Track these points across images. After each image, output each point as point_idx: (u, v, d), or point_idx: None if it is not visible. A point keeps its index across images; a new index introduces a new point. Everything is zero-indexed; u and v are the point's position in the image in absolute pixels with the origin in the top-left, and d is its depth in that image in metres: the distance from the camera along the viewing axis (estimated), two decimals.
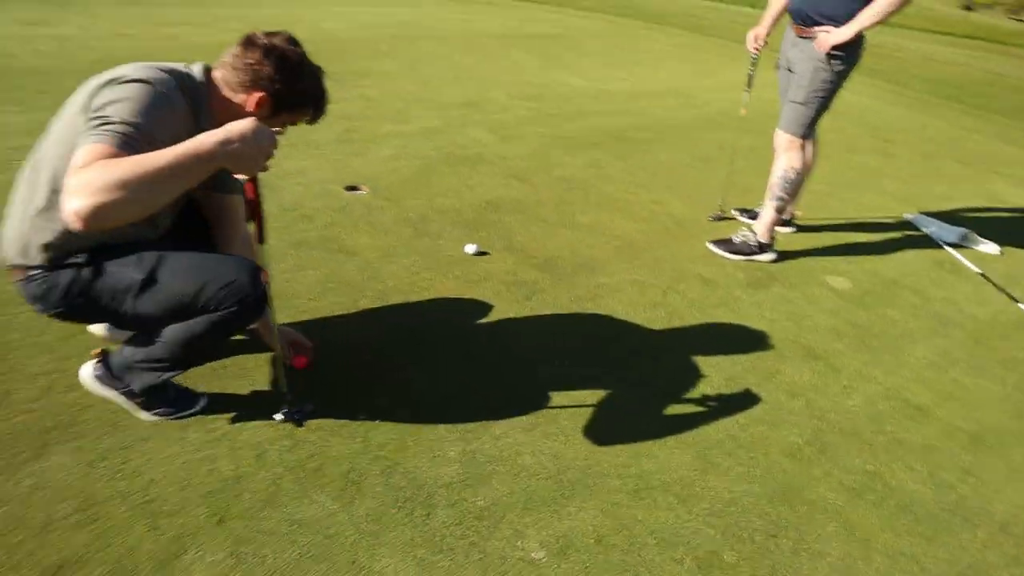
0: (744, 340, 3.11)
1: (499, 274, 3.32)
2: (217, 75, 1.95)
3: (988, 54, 23.41)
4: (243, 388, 2.35)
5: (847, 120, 7.54)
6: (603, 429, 2.42)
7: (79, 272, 1.85)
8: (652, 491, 2.20)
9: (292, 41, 2.01)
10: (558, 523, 2.04)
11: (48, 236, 1.81)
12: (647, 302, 3.27)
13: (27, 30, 6.74)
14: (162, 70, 1.82)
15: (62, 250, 1.83)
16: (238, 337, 2.54)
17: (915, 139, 7.37)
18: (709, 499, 2.21)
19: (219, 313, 1.90)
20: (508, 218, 3.93)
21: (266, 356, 2.51)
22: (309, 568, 1.80)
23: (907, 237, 4.60)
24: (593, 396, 2.57)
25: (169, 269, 1.88)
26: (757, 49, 3.91)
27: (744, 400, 2.70)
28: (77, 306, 1.89)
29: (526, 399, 2.50)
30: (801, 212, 4.48)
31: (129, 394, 2.10)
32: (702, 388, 2.73)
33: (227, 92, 1.95)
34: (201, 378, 2.34)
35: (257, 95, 1.94)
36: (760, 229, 3.84)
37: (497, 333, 2.88)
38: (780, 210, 3.79)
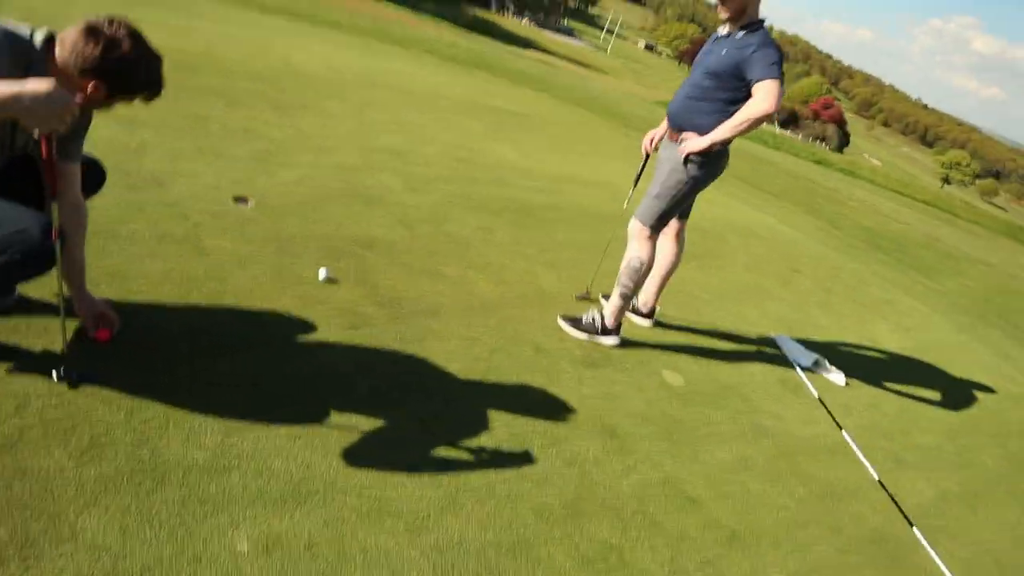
0: (547, 406, 3.27)
1: (338, 302, 3.47)
2: (58, 53, 2.12)
3: (936, 221, 24.65)
4: (34, 344, 2.45)
5: (762, 242, 7.93)
6: (364, 453, 2.54)
7: None
8: (384, 516, 2.32)
9: (133, 34, 2.18)
10: (276, 524, 2.14)
11: None
12: (470, 355, 3.43)
13: None
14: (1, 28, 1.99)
15: None
16: (48, 299, 2.65)
17: (822, 274, 7.76)
18: (437, 535, 2.33)
19: (4, 256, 2.03)
20: (374, 257, 4.10)
21: (66, 320, 2.61)
22: (13, 513, 1.88)
23: (763, 352, 4.85)
24: (370, 422, 2.70)
25: None
26: (648, 151, 4.22)
27: (518, 457, 2.84)
28: None
29: (304, 412, 2.62)
30: (660, 307, 4.72)
31: None
32: (482, 438, 2.87)
33: (65, 70, 2.11)
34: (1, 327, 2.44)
35: (93, 82, 2.11)
36: (606, 313, 4.06)
37: (305, 349, 3.02)
38: (625, 297, 4.02)
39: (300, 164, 5.21)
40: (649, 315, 4.61)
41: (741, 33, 3.62)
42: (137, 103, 2.30)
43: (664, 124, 4.14)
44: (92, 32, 2.11)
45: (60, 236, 2.16)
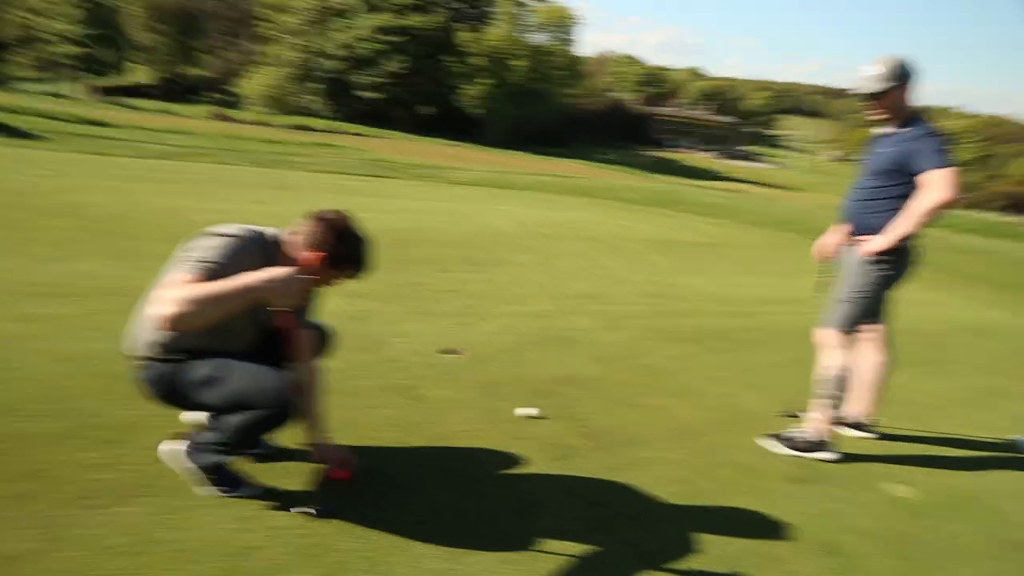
0: (761, 526, 3.19)
1: (544, 436, 3.67)
2: (288, 237, 2.65)
3: None
4: (287, 484, 2.86)
5: (995, 340, 7.27)
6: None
7: (173, 366, 2.52)
8: None
9: (347, 218, 2.68)
10: None
11: (152, 336, 2.51)
12: (676, 479, 3.45)
13: (245, 206, 8.33)
14: (247, 228, 2.55)
15: (164, 348, 2.52)
16: (293, 446, 3.08)
17: None
18: None
19: (260, 412, 2.47)
20: (574, 392, 4.31)
21: (310, 465, 3.02)
22: None
23: (1007, 458, 4.39)
24: (581, 547, 2.80)
25: (231, 372, 2.50)
26: (824, 259, 4.20)
27: None
28: (167, 392, 2.55)
29: (518, 539, 2.78)
30: (875, 417, 4.46)
31: (195, 469, 2.67)
32: (696, 560, 2.86)
33: (294, 251, 2.63)
34: (254, 469, 2.89)
35: (315, 254, 2.60)
36: (812, 428, 3.94)
37: (517, 480, 3.22)
38: (828, 409, 3.88)
39: (497, 316, 5.65)
40: (862, 426, 4.38)
41: (902, 129, 3.63)
42: (354, 280, 2.74)
43: (836, 230, 4.12)
44: (319, 218, 2.63)
45: (300, 392, 2.59)
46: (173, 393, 2.58)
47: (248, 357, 2.61)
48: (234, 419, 2.53)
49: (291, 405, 2.51)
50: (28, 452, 2.84)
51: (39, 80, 62.14)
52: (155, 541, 2.43)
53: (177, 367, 2.54)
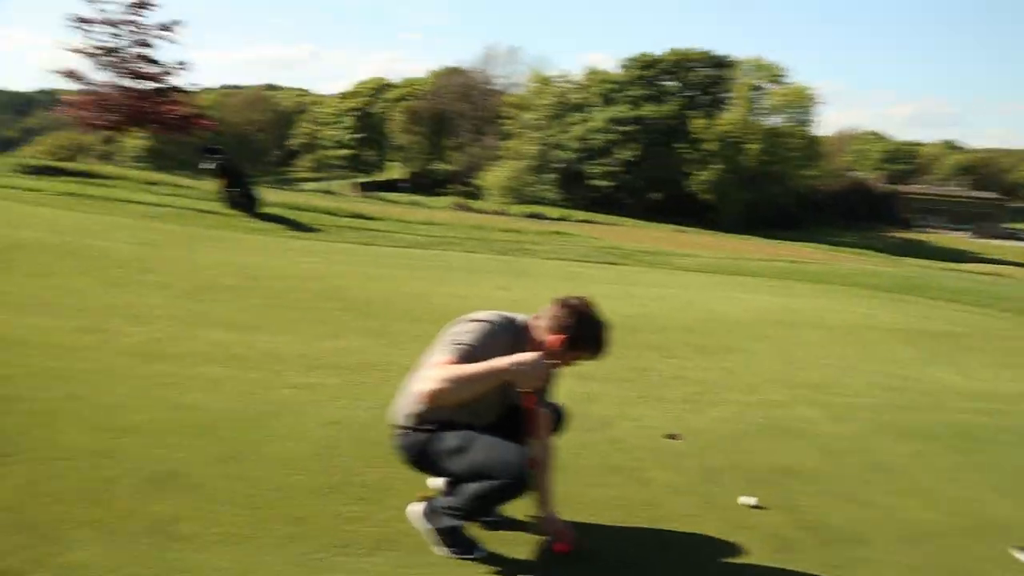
0: None
1: (763, 527, 3.67)
2: (533, 322, 3.02)
3: None
4: (513, 552, 3.16)
5: None
6: None
7: (427, 435, 2.97)
8: None
9: (588, 304, 3.01)
10: None
11: (413, 408, 2.98)
12: None
13: (492, 292, 9.07)
14: (499, 315, 2.96)
15: (420, 419, 2.97)
16: (522, 517, 3.40)
17: None
18: None
19: (498, 482, 2.82)
20: (797, 483, 4.24)
21: (535, 537, 3.31)
22: None
23: None
24: None
25: (476, 444, 2.89)
26: None
27: None
28: (419, 457, 3.00)
29: None
30: None
31: (434, 531, 3.06)
32: None
33: (539, 334, 2.99)
34: (484, 536, 3.22)
35: (558, 337, 2.94)
36: None
37: (737, 569, 3.26)
38: None
39: (726, 402, 5.68)
40: None
41: None
42: (591, 360, 3.06)
43: None
44: (564, 303, 2.99)
45: (535, 467, 2.91)
46: (424, 459, 3.03)
47: (492, 431, 2.99)
48: (473, 487, 2.88)
49: (527, 478, 2.83)
50: (296, 501, 3.35)
51: (315, 180, 71.55)
52: None
53: (430, 436, 2.98)
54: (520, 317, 3.10)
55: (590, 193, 63.88)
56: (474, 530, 3.19)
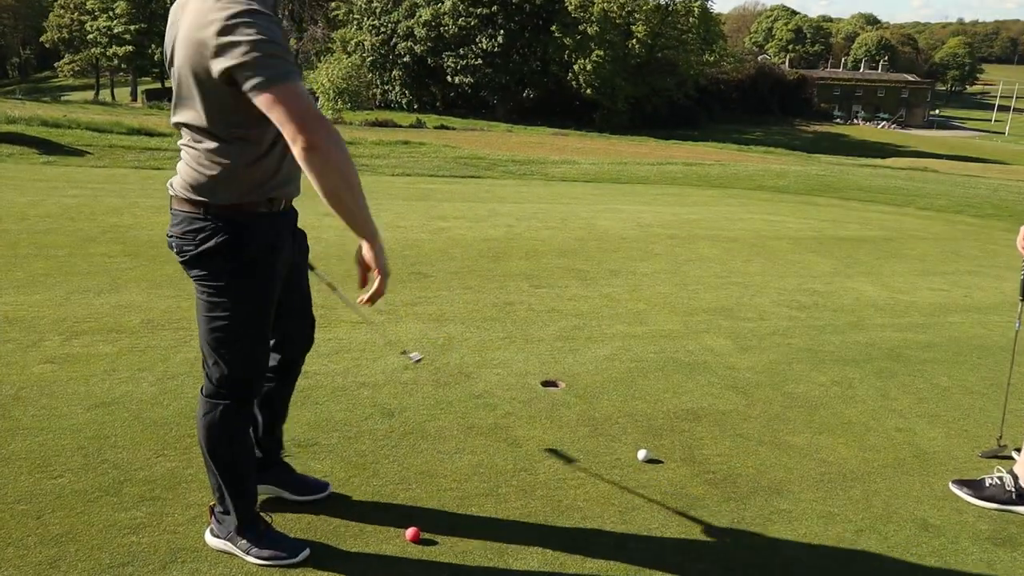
0: None
1: (662, 484, 3.66)
2: None
3: None
4: (351, 546, 2.99)
5: None
6: None
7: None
8: None
9: None
10: None
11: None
12: (829, 537, 3.36)
13: (318, 220, 8.66)
14: None
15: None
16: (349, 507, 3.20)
17: None
18: None
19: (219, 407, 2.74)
20: (702, 430, 4.27)
21: (366, 526, 3.13)
22: None
23: None
24: None
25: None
26: None
27: None
28: None
29: None
30: None
31: (230, 540, 2.88)
32: None
33: None
34: (307, 531, 3.03)
35: None
36: (1020, 471, 3.74)
37: (630, 539, 3.22)
38: None
39: (612, 337, 5.65)
40: None
41: None
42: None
43: None
44: None
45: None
46: None
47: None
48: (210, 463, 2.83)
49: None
50: (55, 513, 3.07)
51: (85, 89, 67.00)
52: None
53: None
54: None
55: (449, 93, 63.25)
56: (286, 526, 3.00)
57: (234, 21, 2.24)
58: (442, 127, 48.30)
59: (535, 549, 3.10)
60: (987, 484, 3.80)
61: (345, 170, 2.31)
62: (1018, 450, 4.27)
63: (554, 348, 5.35)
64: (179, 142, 2.60)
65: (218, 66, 2.27)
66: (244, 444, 2.87)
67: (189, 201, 2.54)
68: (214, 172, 2.49)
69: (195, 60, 2.33)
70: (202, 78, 2.35)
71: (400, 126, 44.34)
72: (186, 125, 2.51)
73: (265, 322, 2.73)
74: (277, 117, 2.25)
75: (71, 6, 76.07)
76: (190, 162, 2.54)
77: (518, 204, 11.85)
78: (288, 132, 2.25)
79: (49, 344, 4.77)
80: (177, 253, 2.61)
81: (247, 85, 2.25)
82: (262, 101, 2.25)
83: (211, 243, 2.53)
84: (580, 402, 4.51)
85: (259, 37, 2.24)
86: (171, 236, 2.62)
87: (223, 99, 2.36)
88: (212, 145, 2.48)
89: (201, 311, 2.66)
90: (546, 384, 4.74)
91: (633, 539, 3.23)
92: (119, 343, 4.88)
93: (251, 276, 2.61)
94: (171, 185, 2.62)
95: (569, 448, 3.94)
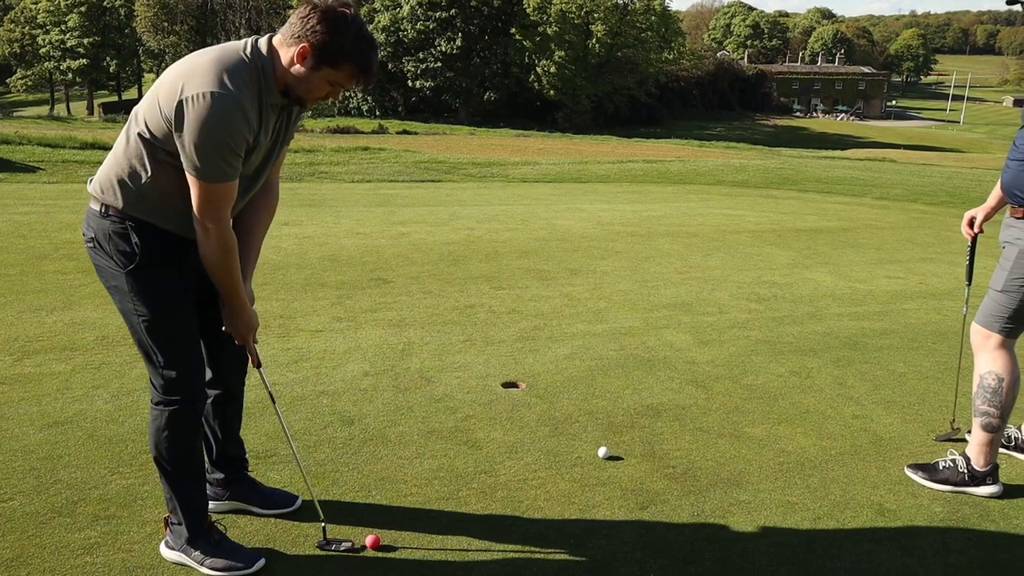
0: None
1: (622, 480, 3.67)
2: (276, 38, 2.60)
3: None
4: (306, 550, 2.97)
5: None
6: None
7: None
8: None
9: (345, 4, 2.55)
10: None
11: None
12: (788, 525, 3.40)
13: (277, 229, 8.60)
14: (227, 60, 2.53)
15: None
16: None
17: None
18: None
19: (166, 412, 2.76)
20: (662, 425, 4.29)
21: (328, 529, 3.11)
22: None
23: None
24: None
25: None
26: (971, 235, 4.07)
27: None
28: None
29: None
30: None
31: (183, 552, 2.87)
32: None
33: (284, 53, 2.56)
34: (267, 541, 3.01)
35: (301, 46, 2.52)
36: (972, 453, 3.79)
37: (589, 535, 3.23)
38: (990, 428, 3.74)
39: (572, 336, 5.67)
40: None
41: None
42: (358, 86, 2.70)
43: (989, 200, 3.99)
44: (312, 6, 2.52)
45: None
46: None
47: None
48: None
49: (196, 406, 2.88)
50: (4, 538, 3.01)
51: (38, 104, 66.00)
52: None
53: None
54: (251, 42, 2.62)
55: (411, 98, 63.08)
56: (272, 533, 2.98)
57: (188, 120, 2.46)
58: (404, 132, 48.16)
59: (496, 551, 3.10)
60: (941, 467, 3.86)
61: (217, 259, 2.65)
62: (970, 432, 4.34)
63: (514, 349, 5.36)
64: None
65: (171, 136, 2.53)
66: (192, 452, 2.87)
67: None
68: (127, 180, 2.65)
69: (160, 114, 2.53)
70: (161, 123, 2.55)
71: (362, 132, 44.21)
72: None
73: (179, 314, 2.78)
74: (192, 195, 2.56)
75: (22, 20, 74.88)
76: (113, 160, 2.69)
77: (479, 207, 11.85)
78: (194, 209, 2.58)
79: None
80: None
81: (183, 164, 2.53)
82: (189, 179, 2.55)
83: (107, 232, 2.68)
84: (541, 402, 4.52)
85: (200, 142, 2.46)
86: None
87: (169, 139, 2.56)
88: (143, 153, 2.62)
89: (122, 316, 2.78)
90: (507, 385, 4.75)
91: (594, 537, 3.24)
92: (73, 361, 4.81)
93: (147, 266, 2.68)
94: (90, 181, 2.78)
95: (530, 448, 3.94)
